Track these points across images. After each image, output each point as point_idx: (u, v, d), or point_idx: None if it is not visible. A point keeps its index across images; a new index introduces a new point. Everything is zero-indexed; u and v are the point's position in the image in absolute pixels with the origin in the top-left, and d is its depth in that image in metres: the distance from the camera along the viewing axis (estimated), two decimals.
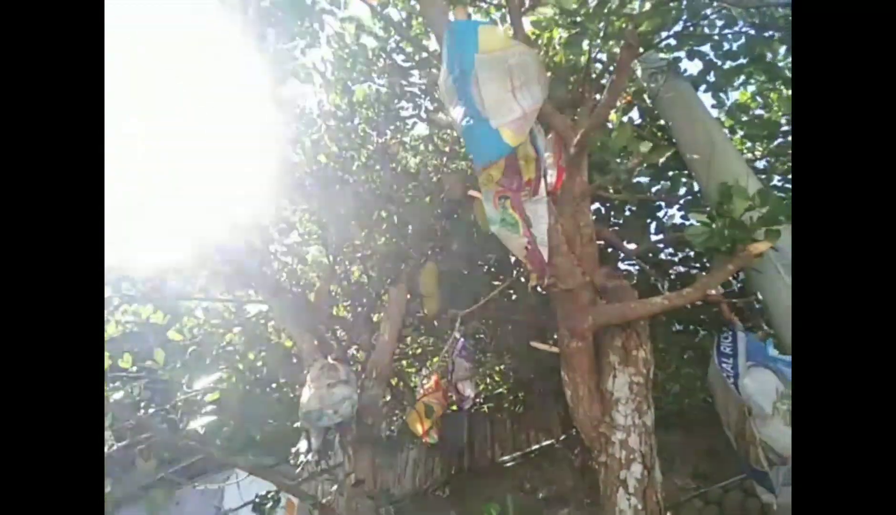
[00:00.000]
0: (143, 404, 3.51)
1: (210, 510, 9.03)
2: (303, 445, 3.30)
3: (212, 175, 3.94)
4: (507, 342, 5.38)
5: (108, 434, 3.14)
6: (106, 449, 3.20)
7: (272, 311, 3.90)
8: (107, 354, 3.74)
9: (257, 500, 5.32)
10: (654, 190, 3.89)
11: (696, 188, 3.77)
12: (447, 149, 4.31)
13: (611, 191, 3.02)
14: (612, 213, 4.01)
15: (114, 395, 3.47)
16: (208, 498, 9.23)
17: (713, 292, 2.36)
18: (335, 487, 3.34)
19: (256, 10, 3.39)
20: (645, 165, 2.59)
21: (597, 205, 3.98)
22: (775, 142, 3.78)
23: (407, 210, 4.21)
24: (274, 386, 4.87)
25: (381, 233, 4.51)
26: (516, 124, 1.30)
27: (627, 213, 4.06)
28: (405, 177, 4.30)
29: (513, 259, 4.82)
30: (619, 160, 2.26)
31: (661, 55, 3.51)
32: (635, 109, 3.74)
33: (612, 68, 3.03)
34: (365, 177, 4.27)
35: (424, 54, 3.54)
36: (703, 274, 3.97)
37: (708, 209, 2.30)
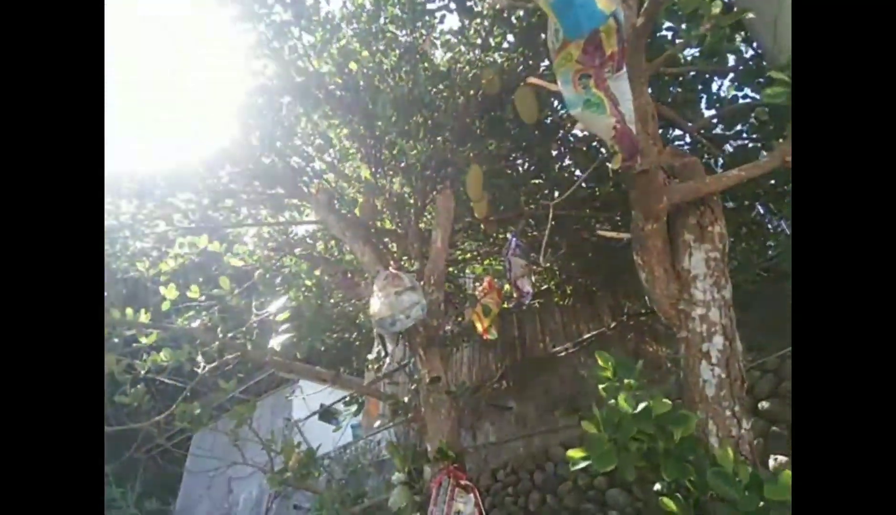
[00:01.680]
0: (219, 329, 3.68)
1: (280, 421, 9.81)
2: (378, 350, 3.46)
3: (239, 96, 3.86)
4: (552, 238, 5.39)
5: (198, 358, 3.35)
6: (198, 371, 3.43)
7: (329, 228, 3.94)
8: (174, 286, 3.92)
9: (324, 410, 5.71)
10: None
11: (749, 56, 3.52)
12: (479, 41, 4.07)
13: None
14: (660, 88, 3.80)
15: (193, 323, 3.65)
16: (278, 411, 10.01)
17: (788, 159, 2.27)
18: (412, 386, 3.53)
19: None
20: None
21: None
22: None
23: (442, 113, 4.08)
24: (332, 301, 5.06)
25: (417, 140, 4.42)
26: None
27: (675, 88, 3.85)
28: (437, 77, 4.12)
29: (555, 152, 4.72)
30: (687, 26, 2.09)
31: None
32: None
33: None
34: (396, 81, 4.11)
35: None
36: (760, 146, 3.83)
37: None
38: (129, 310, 3.57)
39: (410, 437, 6.52)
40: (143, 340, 3.54)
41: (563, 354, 6.22)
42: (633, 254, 2.40)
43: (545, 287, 6.43)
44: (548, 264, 5.72)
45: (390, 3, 3.80)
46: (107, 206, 3.97)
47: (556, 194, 4.77)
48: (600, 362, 2.11)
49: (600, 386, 2.09)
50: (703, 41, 1.95)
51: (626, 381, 2.03)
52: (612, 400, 1.99)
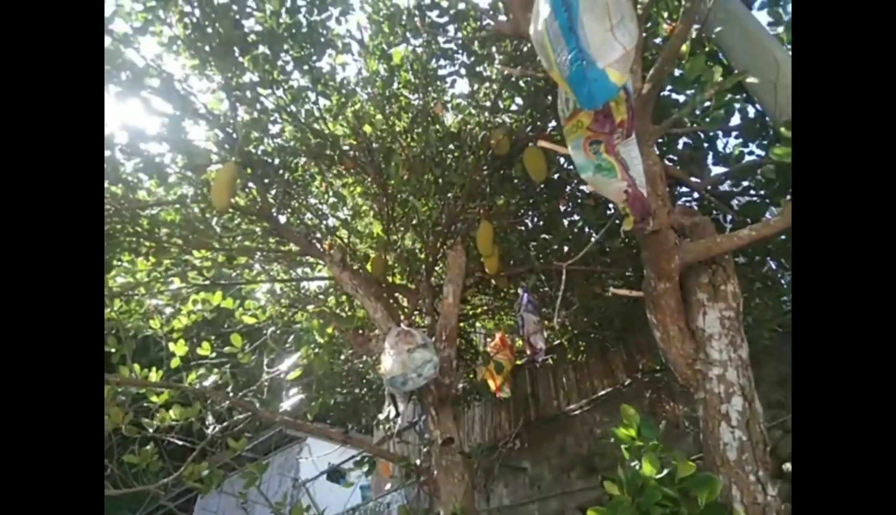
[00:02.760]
0: (230, 388, 3.66)
1: (287, 481, 9.56)
2: (389, 410, 3.41)
3: (256, 156, 3.99)
4: (564, 293, 5.38)
5: (208, 418, 3.31)
6: (207, 431, 3.38)
7: (342, 285, 3.97)
8: (183, 343, 3.93)
9: (332, 469, 5.57)
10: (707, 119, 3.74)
11: (752, 114, 3.61)
12: (488, 103, 4.23)
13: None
14: (666, 148, 3.88)
15: (205, 382, 3.63)
16: (286, 471, 9.76)
17: None
18: (424, 447, 3.45)
19: None
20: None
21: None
22: None
23: (452, 171, 4.19)
24: (343, 357, 5.03)
25: (429, 198, 4.52)
26: (620, 63, 1.25)
27: (681, 146, 3.93)
28: (448, 138, 4.26)
29: (563, 208, 4.80)
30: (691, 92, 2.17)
31: None
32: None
33: None
34: (408, 142, 4.25)
35: (461, 6, 3.44)
36: (768, 202, 3.86)
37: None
38: (136, 367, 3.58)
39: (422, 500, 6.31)
40: (154, 399, 3.52)
41: (577, 412, 6.08)
42: (646, 311, 2.39)
43: (557, 342, 6.35)
44: (560, 319, 5.69)
45: (403, 69, 3.97)
46: (124, 264, 4.05)
47: (566, 249, 4.81)
48: (625, 419, 2.07)
49: (622, 447, 2.03)
50: (707, 106, 2.01)
51: (649, 442, 1.98)
52: (635, 462, 1.93)
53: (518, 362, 5.42)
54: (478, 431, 6.94)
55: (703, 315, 2.23)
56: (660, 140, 3.87)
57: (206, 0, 3.23)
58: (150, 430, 3.54)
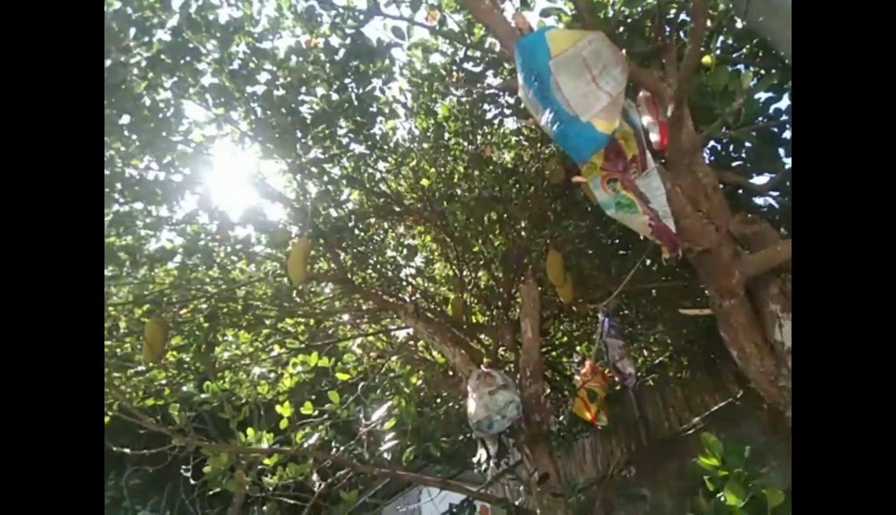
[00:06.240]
0: (333, 444, 3.89)
1: None
2: (481, 453, 3.45)
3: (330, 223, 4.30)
4: (652, 310, 5.15)
5: (314, 477, 3.55)
6: (316, 489, 3.62)
7: (419, 335, 4.13)
8: (288, 404, 4.25)
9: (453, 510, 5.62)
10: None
11: None
12: (538, 135, 4.27)
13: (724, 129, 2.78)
14: (731, 149, 3.66)
15: (308, 441, 3.90)
16: (408, 513, 9.93)
17: None
18: (522, 487, 3.44)
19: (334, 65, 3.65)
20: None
21: (711, 143, 3.67)
22: None
23: (513, 206, 4.24)
24: (438, 401, 5.15)
25: (496, 236, 4.59)
26: (606, 111, 1.27)
27: (748, 144, 3.70)
28: (505, 174, 4.34)
29: None
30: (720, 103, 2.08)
31: None
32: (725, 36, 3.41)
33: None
34: (467, 186, 4.38)
35: (493, 55, 3.56)
36: None
37: None
38: (250, 431, 3.92)
39: None
40: (267, 461, 3.83)
41: (691, 431, 5.70)
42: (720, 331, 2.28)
43: (659, 361, 6.05)
44: (654, 337, 5.44)
45: (451, 120, 4.14)
46: (229, 339, 4.50)
47: (649, 262, 4.63)
48: (706, 449, 1.98)
49: (706, 479, 1.95)
50: (738, 116, 1.92)
51: (734, 470, 1.88)
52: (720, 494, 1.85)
53: (617, 387, 5.22)
54: (589, 461, 6.71)
55: (779, 327, 2.08)
56: (724, 141, 3.69)
57: (265, 97, 3.61)
58: (270, 489, 3.85)
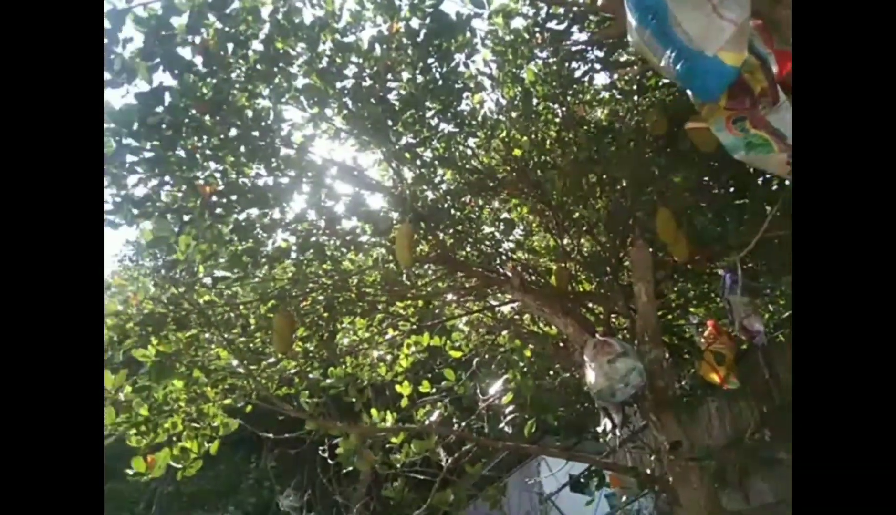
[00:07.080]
0: (453, 418, 4.00)
1: (527, 495, 9.83)
2: (605, 423, 3.38)
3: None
4: (777, 261, 4.70)
5: (439, 450, 3.68)
6: (443, 464, 3.75)
7: (527, 308, 4.10)
8: (406, 383, 4.43)
9: (573, 481, 5.59)
10: None
11: None
12: (634, 86, 4.00)
13: None
14: None
15: (429, 418, 4.04)
16: (526, 486, 10.07)
17: None
18: (651, 455, 3.33)
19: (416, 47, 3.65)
20: None
21: None
22: None
23: (613, 165, 4.03)
24: (552, 373, 5.11)
25: (596, 198, 4.41)
26: (733, 42, 1.14)
27: None
28: (601, 134, 4.13)
29: (751, 169, 4.22)
30: None
31: None
32: None
33: None
34: (561, 150, 4.23)
35: (578, 7, 3.38)
36: None
37: None
38: (374, 411, 4.14)
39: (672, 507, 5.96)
40: (393, 440, 4.02)
41: None
42: None
43: (787, 314, 5.54)
44: (780, 290, 4.98)
45: (538, 84, 4.00)
46: (346, 326, 4.74)
47: (768, 209, 4.22)
48: None
49: None
50: None
51: None
52: None
53: (744, 346, 4.86)
54: (717, 426, 6.34)
55: None
56: None
57: (355, 90, 3.70)
58: (398, 466, 4.05)
